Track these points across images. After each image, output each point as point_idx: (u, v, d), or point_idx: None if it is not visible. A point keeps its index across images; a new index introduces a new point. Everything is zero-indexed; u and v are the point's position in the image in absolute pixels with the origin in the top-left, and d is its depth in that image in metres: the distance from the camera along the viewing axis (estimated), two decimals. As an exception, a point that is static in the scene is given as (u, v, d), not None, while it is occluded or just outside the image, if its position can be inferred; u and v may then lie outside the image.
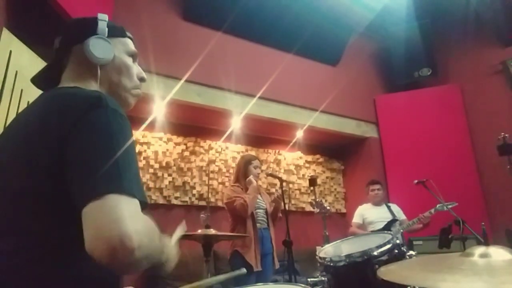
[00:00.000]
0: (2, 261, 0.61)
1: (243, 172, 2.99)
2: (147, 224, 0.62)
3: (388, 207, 3.76)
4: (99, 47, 0.83)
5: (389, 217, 3.64)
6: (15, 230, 0.63)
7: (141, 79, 0.94)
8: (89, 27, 0.84)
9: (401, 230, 3.50)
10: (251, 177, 2.91)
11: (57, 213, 0.64)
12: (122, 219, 0.55)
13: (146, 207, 0.65)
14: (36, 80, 0.89)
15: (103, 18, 0.86)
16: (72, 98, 0.70)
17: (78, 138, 0.63)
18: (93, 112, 0.65)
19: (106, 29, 0.85)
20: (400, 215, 3.73)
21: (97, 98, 0.68)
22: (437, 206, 3.22)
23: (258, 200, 2.94)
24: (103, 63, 0.83)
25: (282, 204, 2.73)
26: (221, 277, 1.08)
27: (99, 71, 0.84)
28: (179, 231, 0.96)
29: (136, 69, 0.93)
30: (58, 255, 0.63)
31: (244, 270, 1.16)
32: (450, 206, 3.06)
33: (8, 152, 0.71)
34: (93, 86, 0.83)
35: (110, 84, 0.87)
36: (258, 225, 2.85)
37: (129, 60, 0.90)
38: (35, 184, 0.64)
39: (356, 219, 3.84)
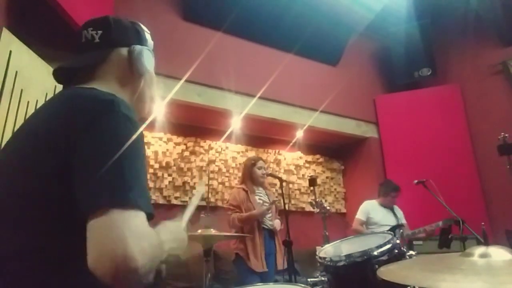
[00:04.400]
0: (3, 264, 0.60)
1: (248, 173, 3.02)
2: (151, 239, 0.60)
3: (393, 210, 3.66)
4: (148, 59, 0.85)
5: (394, 221, 3.54)
6: (18, 233, 0.62)
7: None
8: (135, 34, 0.87)
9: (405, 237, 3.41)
10: (263, 207, 2.84)
11: (61, 218, 0.62)
12: (127, 237, 0.53)
13: (152, 218, 0.63)
14: (58, 71, 0.84)
15: (147, 30, 0.90)
16: (84, 101, 0.69)
17: (86, 144, 0.61)
18: (103, 117, 0.64)
19: (152, 42, 0.89)
20: (402, 220, 3.65)
21: (109, 102, 0.67)
22: (444, 220, 3.07)
23: (264, 202, 2.95)
24: (145, 74, 0.86)
25: (282, 205, 2.72)
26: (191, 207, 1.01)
27: (142, 82, 0.87)
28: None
29: None
30: (60, 259, 0.62)
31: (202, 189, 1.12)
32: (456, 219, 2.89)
33: (18, 152, 0.70)
34: (115, 88, 0.81)
35: (140, 93, 0.88)
36: (263, 225, 2.86)
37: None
38: (40, 186, 0.63)
39: (360, 215, 3.62)
